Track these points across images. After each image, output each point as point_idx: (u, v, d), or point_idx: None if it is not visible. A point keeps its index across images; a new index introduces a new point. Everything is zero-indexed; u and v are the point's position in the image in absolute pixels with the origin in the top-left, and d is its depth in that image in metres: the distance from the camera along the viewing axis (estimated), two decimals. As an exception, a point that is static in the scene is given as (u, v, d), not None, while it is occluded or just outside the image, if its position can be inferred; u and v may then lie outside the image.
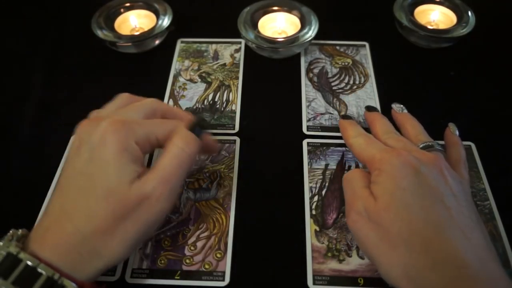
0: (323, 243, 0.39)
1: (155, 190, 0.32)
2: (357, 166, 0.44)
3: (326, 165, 0.45)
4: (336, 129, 0.47)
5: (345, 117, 0.46)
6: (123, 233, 0.31)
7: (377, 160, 0.36)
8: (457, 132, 0.43)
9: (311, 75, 0.54)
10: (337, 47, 0.57)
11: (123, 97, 0.40)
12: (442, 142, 0.45)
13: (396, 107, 0.45)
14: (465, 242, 0.31)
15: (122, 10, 0.57)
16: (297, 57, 0.56)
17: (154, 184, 0.32)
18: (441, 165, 0.35)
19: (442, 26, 0.56)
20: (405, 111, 0.45)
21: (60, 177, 0.35)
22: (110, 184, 0.31)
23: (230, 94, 0.52)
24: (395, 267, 0.31)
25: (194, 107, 0.50)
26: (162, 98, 0.51)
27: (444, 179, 0.34)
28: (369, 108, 0.46)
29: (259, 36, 0.52)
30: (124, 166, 0.32)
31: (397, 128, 0.43)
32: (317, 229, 0.40)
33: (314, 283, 0.37)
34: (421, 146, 0.39)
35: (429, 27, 0.54)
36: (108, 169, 0.32)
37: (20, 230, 0.32)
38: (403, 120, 0.44)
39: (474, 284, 0.29)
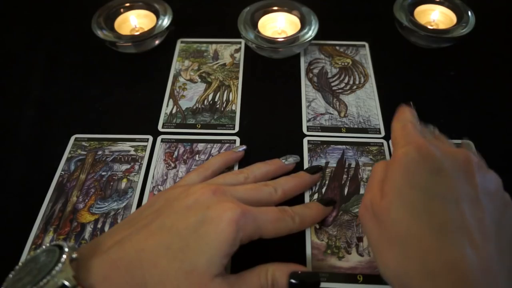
0: (322, 240, 0.39)
1: None
2: (357, 164, 0.44)
3: (327, 163, 0.45)
4: (336, 129, 0.47)
5: (409, 105, 0.41)
6: None
7: (398, 148, 0.33)
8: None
9: (310, 75, 0.54)
10: (337, 47, 0.57)
11: (256, 167, 0.41)
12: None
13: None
14: (472, 253, 0.27)
15: (122, 10, 0.57)
16: (296, 57, 0.56)
17: None
18: (472, 162, 0.32)
19: (442, 26, 0.56)
20: (437, 132, 0.42)
21: (155, 221, 0.33)
22: (197, 266, 0.30)
23: (230, 94, 0.52)
24: (389, 268, 0.29)
25: (194, 107, 0.50)
26: (162, 98, 0.51)
27: (470, 179, 0.31)
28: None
29: (259, 36, 0.53)
30: (218, 258, 0.31)
31: None
32: (317, 226, 0.40)
33: (314, 281, 0.37)
34: None
35: (429, 27, 0.54)
36: (205, 251, 0.31)
37: (74, 253, 0.29)
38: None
39: None
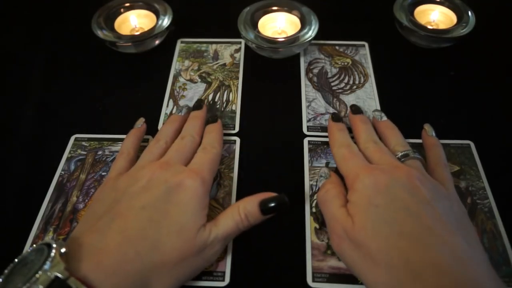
0: (322, 240, 0.39)
1: (213, 243, 0.34)
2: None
3: (327, 163, 0.44)
4: (336, 129, 0.47)
5: (335, 118, 0.45)
6: (178, 273, 0.33)
7: (352, 177, 0.37)
8: (433, 133, 0.44)
9: (310, 75, 0.54)
10: (337, 47, 0.57)
11: (171, 127, 0.44)
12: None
13: (376, 115, 0.46)
14: (444, 248, 0.31)
15: (122, 10, 0.57)
16: (296, 57, 0.56)
17: (214, 238, 0.34)
18: (413, 177, 0.35)
19: (442, 26, 0.56)
20: (385, 118, 0.45)
21: (121, 206, 0.34)
22: (185, 224, 0.33)
23: (230, 94, 0.52)
24: (380, 284, 0.31)
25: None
26: (162, 98, 0.51)
27: (416, 190, 0.35)
28: (354, 110, 0.46)
29: (259, 36, 0.52)
30: (198, 212, 0.35)
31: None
32: (317, 226, 0.40)
33: (313, 280, 0.37)
34: (398, 155, 0.39)
35: (429, 27, 0.54)
36: (186, 210, 0.34)
37: (63, 248, 0.29)
38: (383, 128, 0.44)
39: None
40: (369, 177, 0.36)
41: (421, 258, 0.30)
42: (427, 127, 0.44)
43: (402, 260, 0.31)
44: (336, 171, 0.42)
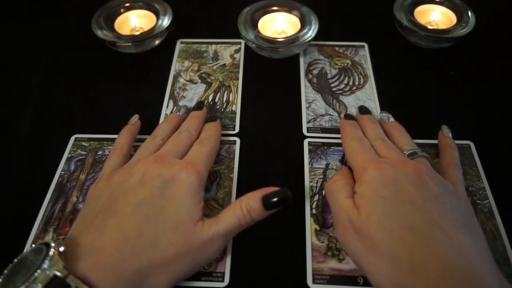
0: (323, 242, 0.39)
1: (214, 240, 0.34)
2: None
3: (327, 164, 0.44)
4: (336, 130, 0.47)
5: (348, 116, 0.46)
6: (176, 269, 0.33)
7: (360, 170, 0.37)
8: (450, 135, 0.44)
9: (310, 76, 0.54)
10: (336, 48, 0.57)
11: (170, 124, 0.45)
12: (434, 142, 0.45)
13: (383, 116, 0.46)
14: (448, 243, 0.31)
15: (122, 10, 0.57)
16: (296, 58, 0.56)
17: (214, 234, 0.34)
18: (422, 171, 0.36)
19: (442, 26, 0.56)
20: (392, 119, 0.45)
21: (117, 203, 0.34)
22: (181, 219, 0.34)
23: (230, 94, 0.52)
24: (382, 276, 0.31)
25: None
26: (162, 99, 0.51)
27: (424, 185, 0.35)
28: (361, 110, 0.47)
29: (259, 36, 0.52)
30: (193, 206, 0.35)
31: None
32: (317, 228, 0.40)
33: (314, 282, 0.37)
34: (406, 154, 0.40)
35: (429, 27, 0.54)
36: (181, 205, 0.34)
37: (62, 247, 0.30)
38: (390, 129, 0.44)
39: (458, 284, 0.29)
40: (377, 170, 0.36)
41: (425, 251, 0.30)
42: (444, 129, 0.44)
43: (405, 253, 0.31)
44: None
